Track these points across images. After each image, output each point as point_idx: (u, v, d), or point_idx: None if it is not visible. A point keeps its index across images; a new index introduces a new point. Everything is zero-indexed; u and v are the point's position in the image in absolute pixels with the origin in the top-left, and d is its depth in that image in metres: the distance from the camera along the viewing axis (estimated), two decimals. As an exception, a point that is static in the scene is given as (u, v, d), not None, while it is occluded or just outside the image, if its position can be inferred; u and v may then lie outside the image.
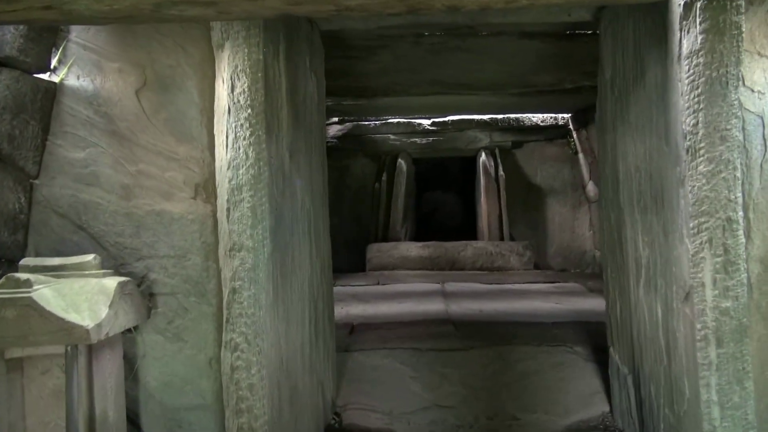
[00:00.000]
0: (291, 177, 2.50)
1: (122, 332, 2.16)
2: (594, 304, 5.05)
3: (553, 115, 8.53)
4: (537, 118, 8.54)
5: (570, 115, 8.35)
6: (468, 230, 9.56)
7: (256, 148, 2.19)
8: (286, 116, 2.45)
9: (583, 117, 7.96)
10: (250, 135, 2.18)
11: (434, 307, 5.07)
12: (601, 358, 3.48)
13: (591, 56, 5.20)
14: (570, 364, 3.42)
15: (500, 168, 8.46)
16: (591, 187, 8.34)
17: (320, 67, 3.14)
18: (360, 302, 5.46)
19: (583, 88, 6.67)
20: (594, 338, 3.86)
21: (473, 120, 8.56)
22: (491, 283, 6.55)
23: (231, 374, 2.12)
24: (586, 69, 5.71)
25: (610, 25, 2.68)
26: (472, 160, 9.06)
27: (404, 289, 6.23)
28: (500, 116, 8.53)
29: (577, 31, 4.44)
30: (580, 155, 8.44)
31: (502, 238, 8.10)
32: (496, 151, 8.65)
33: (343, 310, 5.05)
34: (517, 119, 8.54)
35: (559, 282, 6.54)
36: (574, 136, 8.43)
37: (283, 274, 2.37)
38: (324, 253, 2.92)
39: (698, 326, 1.94)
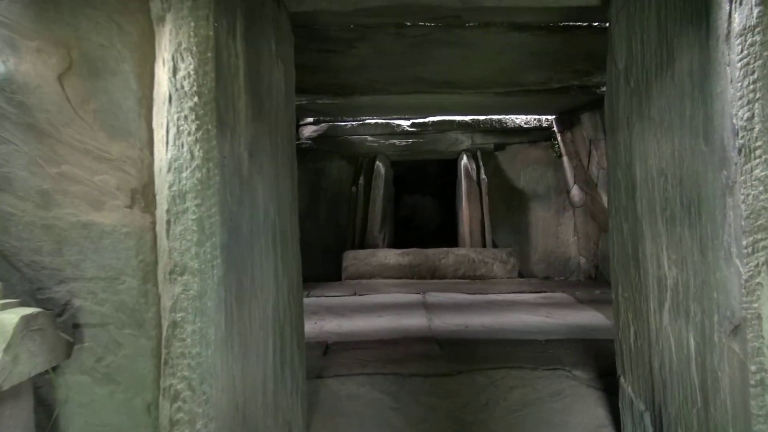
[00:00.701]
0: (251, 181, 2.07)
1: (35, 376, 1.71)
2: (586, 317, 4.71)
3: (536, 116, 8.21)
4: (520, 119, 8.22)
5: (554, 116, 8.04)
6: (448, 236, 9.20)
7: (204, 146, 1.76)
8: (244, 108, 2.02)
9: (568, 119, 7.66)
10: (197, 129, 1.76)
11: (416, 321, 4.67)
12: (604, 384, 3.12)
13: (583, 52, 4.90)
14: (571, 392, 3.05)
15: (482, 171, 8.12)
16: (576, 192, 8.04)
17: (289, 55, 2.72)
18: (335, 316, 5.04)
19: (570, 88, 6.36)
20: (593, 359, 3.50)
21: (454, 121, 8.21)
22: (475, 293, 6.18)
23: (170, 430, 1.68)
24: (575, 67, 5.39)
25: (625, 7, 2.31)
26: (453, 163, 8.71)
27: (383, 300, 5.82)
28: (482, 117, 8.19)
29: (572, 23, 4.10)
30: (565, 158, 8.14)
31: (484, 245, 7.75)
32: (478, 153, 8.31)
33: (316, 326, 4.62)
34: (499, 121, 8.21)
35: (546, 292, 6.20)
36: (559, 138, 8.13)
37: (239, 300, 1.94)
38: (292, 269, 2.49)
39: (752, 368, 1.57)
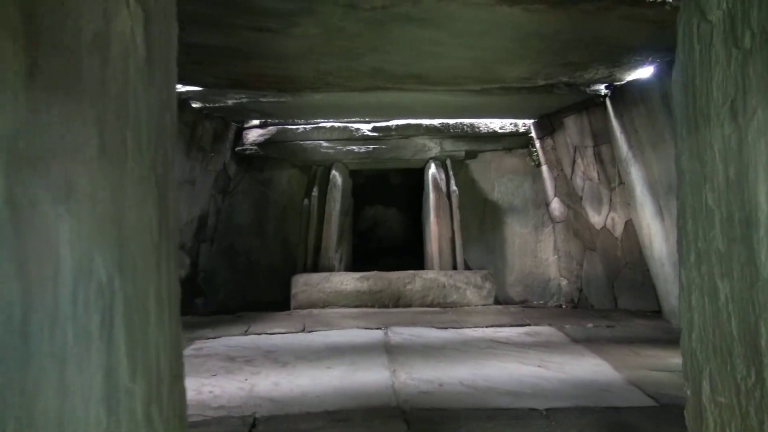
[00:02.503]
0: (22, 216, 1.03)
1: None
2: (589, 368, 3.78)
3: (513, 120, 7.33)
4: (495, 124, 7.32)
5: (533, 121, 7.17)
6: (414, 251, 8.21)
7: None
8: (20, 55, 0.97)
9: (549, 123, 6.79)
10: None
11: (376, 377, 3.65)
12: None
13: (588, 36, 3.84)
14: None
15: (452, 182, 7.18)
16: (556, 205, 7.18)
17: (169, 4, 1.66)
18: (274, 366, 3.97)
19: (556, 86, 5.46)
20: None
21: (421, 125, 7.25)
22: (447, 327, 5.21)
23: None
24: (569, 58, 4.48)
25: None
26: (420, 173, 7.75)
27: (337, 339, 4.78)
28: (453, 121, 7.26)
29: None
30: (544, 168, 7.28)
31: (455, 266, 6.80)
32: (448, 162, 7.38)
33: (246, 385, 3.54)
34: (472, 125, 7.29)
35: (529, 325, 5.26)
36: (537, 145, 7.26)
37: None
38: (155, 364, 1.44)
39: None
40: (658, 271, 5.25)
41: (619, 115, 5.35)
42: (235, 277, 7.35)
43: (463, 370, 3.74)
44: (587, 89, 5.50)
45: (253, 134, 7.21)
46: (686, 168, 1.56)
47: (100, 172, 1.23)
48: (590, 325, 5.17)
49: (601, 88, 5.52)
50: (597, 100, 5.73)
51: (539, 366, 3.83)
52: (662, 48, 4.14)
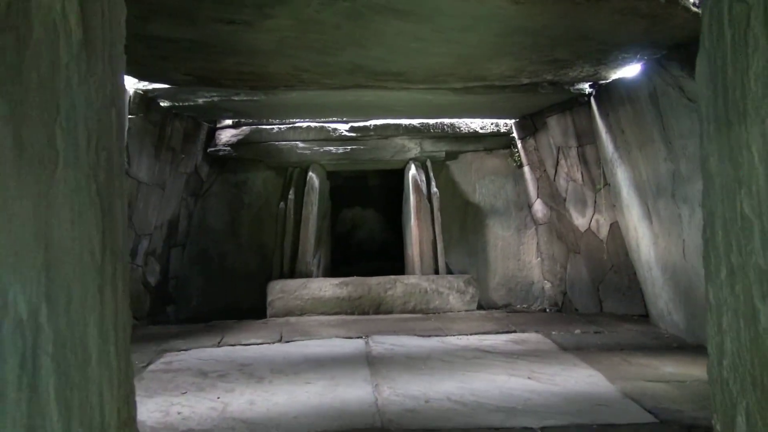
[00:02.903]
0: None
1: None
2: (582, 379, 3.60)
3: (493, 120, 7.16)
4: (476, 124, 7.15)
5: (515, 121, 7.02)
6: (395, 257, 8.00)
7: None
8: None
9: (531, 123, 6.64)
10: None
11: (358, 393, 3.42)
12: None
13: (577, 31, 3.51)
14: None
15: (433, 183, 6.98)
16: (539, 207, 7.04)
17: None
18: (249, 382, 3.72)
19: (540, 84, 5.30)
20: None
21: (401, 125, 7.05)
22: (430, 335, 5.01)
23: None
24: (555, 55, 4.30)
25: None
26: (399, 174, 7.55)
27: (316, 351, 4.54)
28: (433, 121, 7.07)
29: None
30: (526, 168, 7.13)
31: (437, 270, 6.60)
32: (428, 163, 7.18)
33: (218, 405, 3.29)
34: (452, 125, 7.11)
35: (515, 331, 5.09)
36: (519, 146, 7.11)
37: None
38: (97, 410, 1.20)
39: None
40: (646, 274, 5.12)
41: (604, 115, 5.21)
42: (209, 284, 7.05)
43: (451, 384, 3.53)
44: (571, 88, 5.35)
45: (226, 134, 6.92)
46: (715, 171, 1.37)
47: (15, 179, 0.98)
48: (578, 331, 5.01)
49: (586, 87, 5.38)
50: (581, 100, 5.59)
51: (529, 378, 3.64)
52: (651, 44, 4.00)
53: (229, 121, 6.94)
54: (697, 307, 4.26)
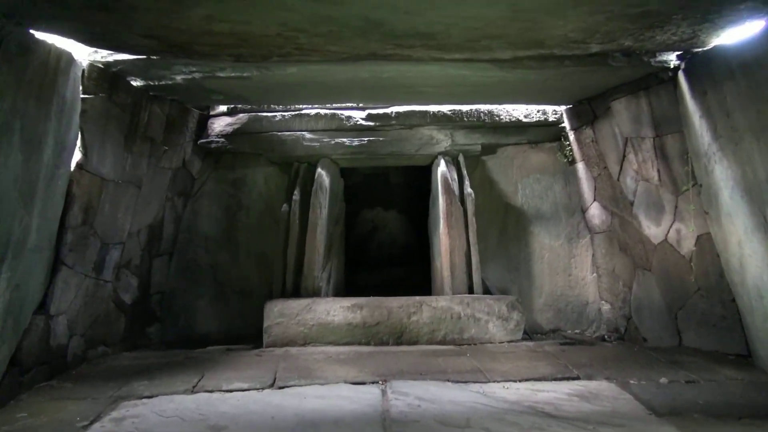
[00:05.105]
0: None
1: None
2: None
3: (540, 107, 5.95)
4: (519, 111, 5.94)
5: (566, 107, 5.79)
6: (419, 265, 6.86)
7: None
8: None
9: (589, 110, 5.40)
10: None
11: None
12: None
13: None
14: None
15: (467, 183, 5.80)
16: (596, 211, 5.80)
17: None
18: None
19: (611, 55, 4.08)
20: None
21: (428, 113, 5.87)
22: (467, 380, 3.85)
23: None
24: (649, 4, 3.12)
25: None
26: (426, 171, 6.37)
27: (315, 405, 3.41)
28: (466, 108, 5.88)
29: None
30: (580, 165, 5.90)
31: (470, 288, 5.42)
32: (460, 158, 6.00)
33: None
34: (490, 113, 5.90)
35: (579, 377, 3.89)
36: (571, 137, 5.88)
37: None
38: None
39: None
40: (753, 303, 3.87)
41: (699, 94, 3.97)
42: (199, 300, 5.96)
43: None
44: (652, 60, 4.12)
45: (220, 123, 5.83)
46: None
47: None
48: (663, 379, 3.78)
49: (672, 58, 4.13)
50: (663, 76, 4.34)
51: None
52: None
53: (223, 108, 5.84)
54: None
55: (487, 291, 5.57)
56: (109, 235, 4.60)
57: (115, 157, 4.48)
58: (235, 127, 5.78)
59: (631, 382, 3.75)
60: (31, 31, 3.20)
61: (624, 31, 3.49)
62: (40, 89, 3.37)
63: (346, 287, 6.55)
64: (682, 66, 4.10)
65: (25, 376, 3.75)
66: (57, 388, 3.87)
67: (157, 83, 4.52)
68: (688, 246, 4.56)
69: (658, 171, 4.68)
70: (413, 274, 7.32)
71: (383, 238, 8.24)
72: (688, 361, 4.19)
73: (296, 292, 5.30)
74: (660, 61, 4.14)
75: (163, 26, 3.18)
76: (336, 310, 4.84)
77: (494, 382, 3.83)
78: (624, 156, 5.07)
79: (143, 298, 5.48)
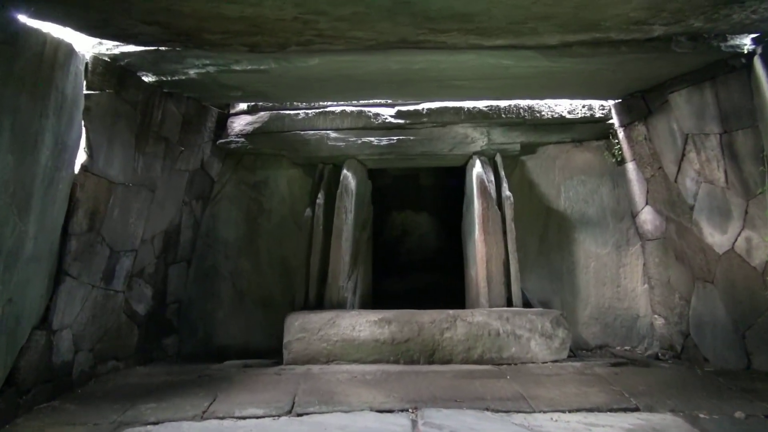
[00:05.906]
0: None
1: None
2: None
3: (586, 102, 5.44)
4: (562, 107, 5.44)
5: (615, 102, 5.27)
6: (452, 270, 6.42)
7: None
8: None
9: (643, 104, 4.88)
10: None
11: None
12: None
13: None
14: None
15: (505, 185, 5.32)
16: (648, 216, 5.26)
17: None
18: None
19: (675, 39, 3.58)
20: None
21: (462, 109, 5.42)
22: (508, 410, 3.39)
23: None
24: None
25: None
26: (460, 172, 5.93)
27: (336, 439, 3.00)
28: (504, 103, 5.41)
29: None
30: (630, 165, 5.37)
31: (509, 300, 4.95)
32: (498, 158, 5.53)
33: None
34: (530, 109, 5.42)
35: (638, 409, 3.39)
36: (621, 135, 5.36)
37: None
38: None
39: None
40: None
41: (779, 82, 3.43)
42: (218, 310, 5.63)
43: None
44: (722, 44, 3.60)
45: (240, 122, 5.48)
46: None
47: None
48: (739, 413, 3.26)
49: (746, 42, 3.61)
50: (735, 63, 3.81)
51: None
52: None
53: (243, 106, 5.50)
54: None
55: (526, 303, 5.08)
56: (119, 242, 4.28)
57: (124, 159, 4.16)
58: (256, 126, 5.42)
59: (701, 416, 3.23)
60: (20, 18, 2.87)
61: (696, 9, 2.99)
62: (34, 83, 3.05)
63: (374, 295, 6.15)
64: (759, 51, 3.57)
65: (24, 398, 3.43)
66: (58, 410, 3.55)
67: (170, 78, 4.18)
68: (760, 257, 4.01)
69: (725, 172, 4.14)
70: (445, 279, 6.90)
71: (413, 242, 7.84)
72: (764, 390, 3.65)
73: (320, 304, 4.91)
74: (731, 46, 3.62)
75: (165, 9, 2.81)
76: (362, 325, 4.43)
77: (540, 412, 3.36)
78: (683, 155, 4.53)
79: (158, 308, 5.17)
